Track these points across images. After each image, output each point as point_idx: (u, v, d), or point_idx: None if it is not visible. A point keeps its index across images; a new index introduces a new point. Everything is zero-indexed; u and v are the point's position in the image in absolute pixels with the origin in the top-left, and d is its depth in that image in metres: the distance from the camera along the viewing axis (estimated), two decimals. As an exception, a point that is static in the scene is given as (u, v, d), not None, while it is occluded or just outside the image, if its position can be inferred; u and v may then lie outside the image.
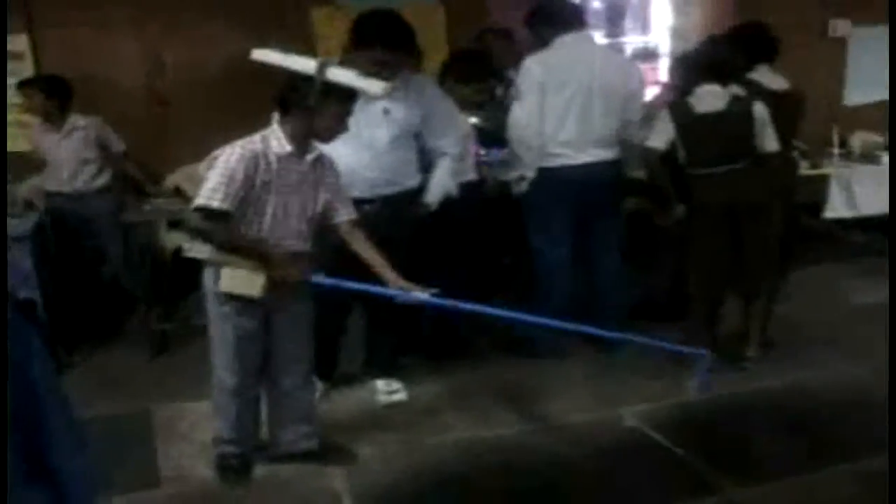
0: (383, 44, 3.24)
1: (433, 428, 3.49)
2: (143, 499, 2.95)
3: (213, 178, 2.68)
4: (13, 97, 4.76)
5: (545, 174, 3.92)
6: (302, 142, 2.81)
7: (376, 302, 3.42)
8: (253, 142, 2.76)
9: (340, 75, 2.75)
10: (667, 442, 3.35)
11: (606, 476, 3.13)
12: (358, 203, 3.31)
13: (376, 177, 3.42)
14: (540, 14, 4.01)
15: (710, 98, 3.74)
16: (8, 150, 4.88)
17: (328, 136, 2.85)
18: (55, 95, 4.47)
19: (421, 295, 2.89)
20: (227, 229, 2.72)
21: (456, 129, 3.70)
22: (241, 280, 2.74)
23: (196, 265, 4.82)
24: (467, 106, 4.02)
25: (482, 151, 4.35)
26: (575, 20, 3.96)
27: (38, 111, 4.50)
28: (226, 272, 2.76)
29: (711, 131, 3.72)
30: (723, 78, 3.75)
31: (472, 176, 4.03)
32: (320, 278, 2.86)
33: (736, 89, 3.77)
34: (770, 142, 3.77)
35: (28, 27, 4.94)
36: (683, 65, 3.98)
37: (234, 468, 3.08)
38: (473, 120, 4.11)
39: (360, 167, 3.35)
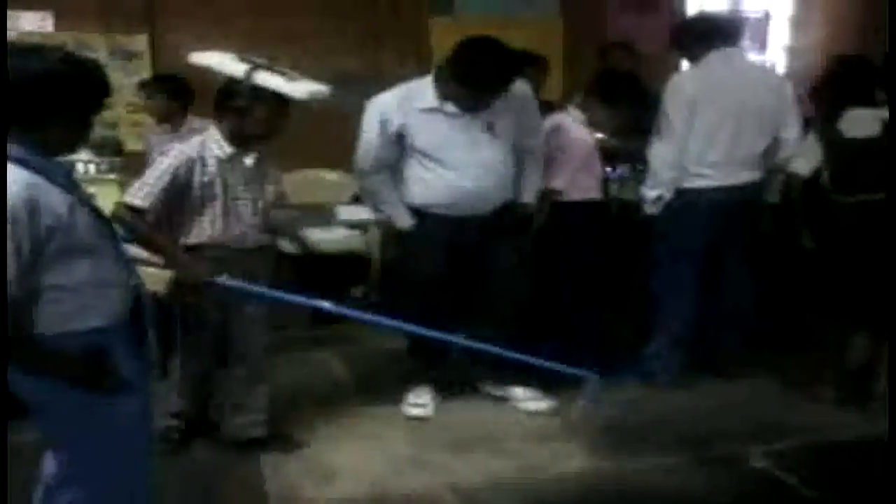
0: (473, 88, 3.26)
1: (549, 456, 3.33)
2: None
3: (145, 177, 2.83)
4: (129, 96, 4.81)
5: (685, 196, 3.74)
6: (241, 142, 2.92)
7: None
8: (191, 145, 2.89)
9: (267, 80, 2.82)
10: (798, 484, 3.14)
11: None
12: (467, 221, 3.45)
13: (485, 195, 3.45)
14: (691, 29, 3.86)
15: (862, 123, 3.52)
16: (121, 150, 4.93)
17: (262, 137, 2.92)
18: (177, 96, 4.45)
19: (322, 303, 2.90)
20: (144, 225, 2.80)
21: (540, 126, 3.66)
22: (149, 277, 2.75)
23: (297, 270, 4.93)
24: (603, 126, 3.89)
25: (608, 169, 4.21)
26: (728, 36, 3.77)
27: (158, 112, 4.49)
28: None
29: (861, 157, 3.52)
30: (874, 102, 3.54)
31: (595, 195, 3.95)
32: (224, 280, 2.83)
33: (886, 114, 3.54)
34: None
35: (150, 28, 4.97)
36: (829, 87, 3.74)
37: (174, 441, 3.22)
38: (599, 135, 3.95)
39: (467, 189, 3.40)
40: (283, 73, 2.93)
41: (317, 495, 3.00)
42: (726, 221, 3.76)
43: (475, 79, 3.23)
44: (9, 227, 1.67)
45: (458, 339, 3.31)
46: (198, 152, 2.87)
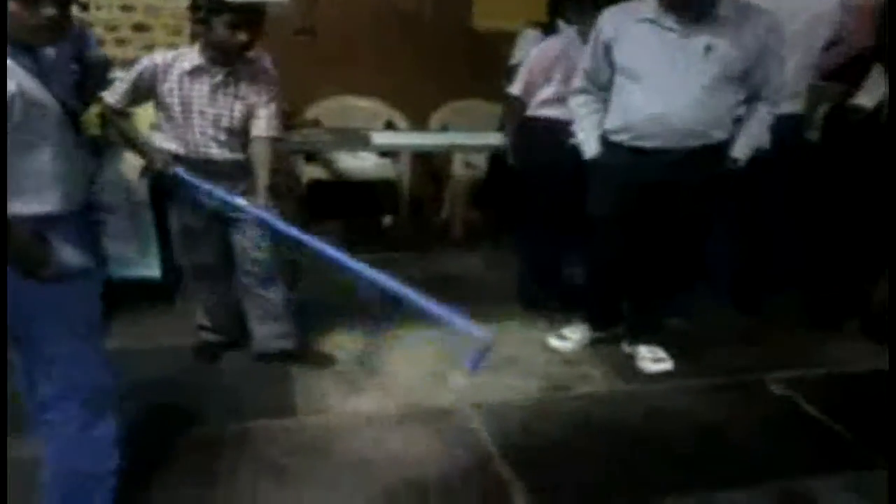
0: None
1: (575, 379, 3.41)
2: (283, 425, 2.94)
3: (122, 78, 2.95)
4: (167, 19, 4.83)
5: None
6: (212, 54, 2.84)
7: (652, 259, 3.37)
8: (165, 55, 2.90)
9: None
10: (816, 412, 3.22)
11: (749, 441, 2.99)
12: (654, 153, 3.08)
13: (686, 128, 3.00)
14: None
15: None
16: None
17: (227, 48, 2.80)
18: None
19: (270, 217, 2.80)
20: (119, 121, 2.95)
21: (782, 71, 3.14)
22: (129, 163, 3.33)
23: (329, 196, 4.98)
24: None
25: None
26: None
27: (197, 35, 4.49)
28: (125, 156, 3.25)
29: None
30: None
31: None
32: (181, 171, 2.91)
33: None
34: None
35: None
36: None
37: (207, 354, 3.40)
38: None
39: (666, 114, 2.98)
40: None
41: (345, 408, 3.08)
42: (763, 154, 3.53)
43: None
44: None
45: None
46: (167, 62, 2.86)
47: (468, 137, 4.88)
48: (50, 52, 1.98)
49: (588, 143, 3.25)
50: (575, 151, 3.35)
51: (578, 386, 3.35)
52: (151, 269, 3.80)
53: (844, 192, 3.85)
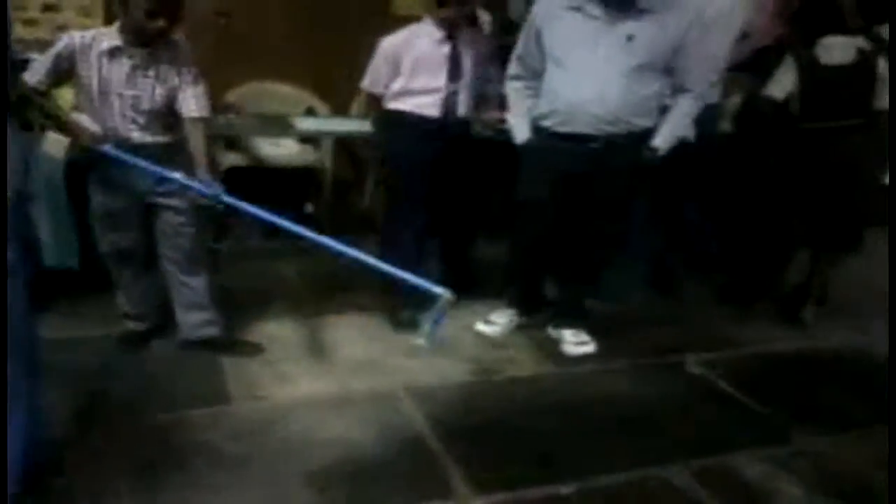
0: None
1: (501, 362, 3.49)
2: (218, 412, 2.91)
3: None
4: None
5: None
6: (130, 36, 2.81)
7: (575, 245, 3.44)
8: (85, 34, 2.84)
9: None
10: (732, 390, 3.38)
11: (671, 420, 3.11)
12: (579, 140, 3.17)
13: (604, 113, 3.09)
14: None
15: (837, 50, 3.63)
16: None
17: (143, 32, 2.78)
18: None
19: (212, 192, 2.91)
20: (43, 101, 2.85)
21: (706, 62, 3.29)
22: (53, 143, 3.21)
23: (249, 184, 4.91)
24: None
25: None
26: None
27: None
28: (48, 137, 3.14)
29: (834, 85, 3.63)
30: (848, 30, 3.64)
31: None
32: (108, 149, 2.87)
33: (861, 42, 3.65)
34: (884, 100, 3.66)
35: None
36: (805, 14, 3.83)
37: (133, 342, 3.33)
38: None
39: (587, 100, 3.09)
40: None
41: (279, 394, 3.08)
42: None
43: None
44: None
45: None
46: (85, 41, 2.81)
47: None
48: None
49: (518, 129, 3.35)
50: (431, 144, 3.48)
51: (507, 369, 3.43)
52: (70, 257, 3.69)
53: (755, 180, 4.03)
